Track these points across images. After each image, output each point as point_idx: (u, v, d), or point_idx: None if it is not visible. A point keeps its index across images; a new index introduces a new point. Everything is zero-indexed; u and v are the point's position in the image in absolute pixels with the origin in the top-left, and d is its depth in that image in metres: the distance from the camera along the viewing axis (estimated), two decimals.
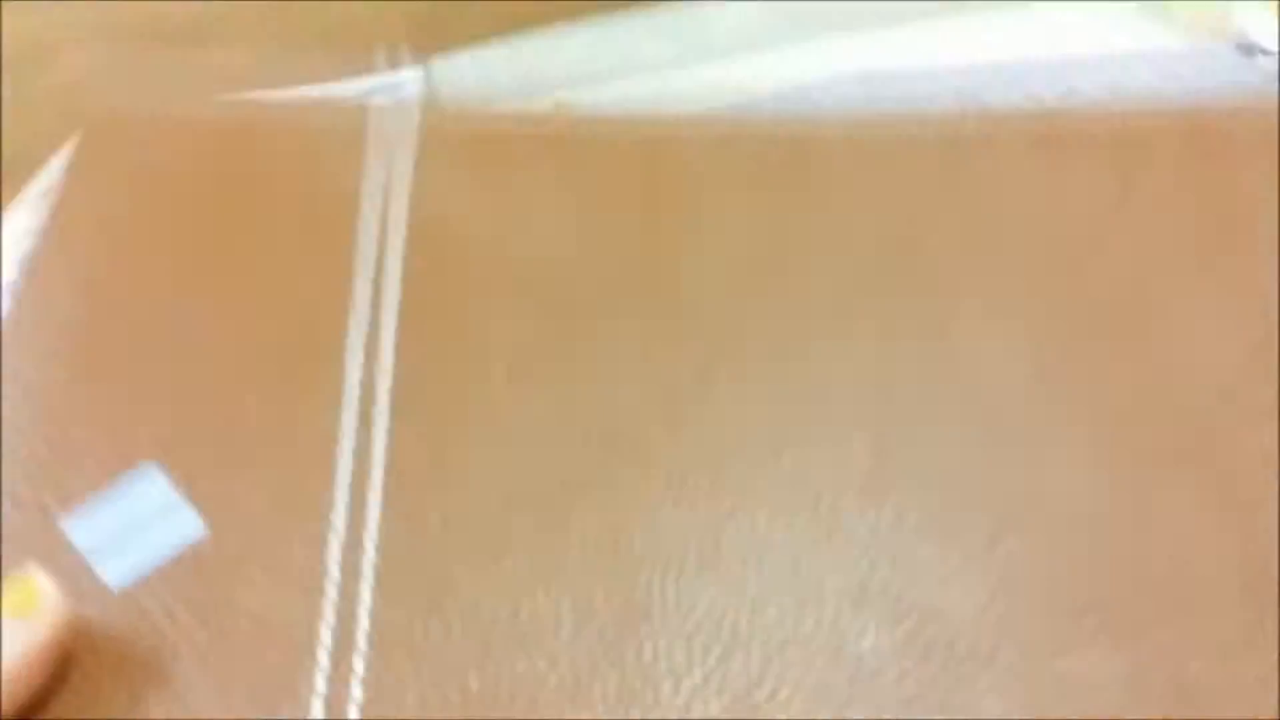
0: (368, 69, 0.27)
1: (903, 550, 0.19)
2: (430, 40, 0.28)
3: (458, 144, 0.25)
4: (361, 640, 0.17)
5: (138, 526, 0.18)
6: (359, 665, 0.17)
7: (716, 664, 0.17)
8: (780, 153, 0.25)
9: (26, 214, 0.24)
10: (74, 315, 0.22)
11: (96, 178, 0.24)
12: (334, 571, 0.18)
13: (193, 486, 0.19)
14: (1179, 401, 0.21)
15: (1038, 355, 0.21)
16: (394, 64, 0.27)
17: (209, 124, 0.25)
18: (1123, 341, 0.22)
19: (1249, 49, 0.27)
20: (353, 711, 0.17)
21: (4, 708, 0.15)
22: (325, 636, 0.17)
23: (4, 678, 0.15)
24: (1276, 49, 0.27)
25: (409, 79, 0.27)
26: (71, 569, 0.18)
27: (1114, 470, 0.20)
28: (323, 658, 0.17)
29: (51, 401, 0.20)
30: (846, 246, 0.24)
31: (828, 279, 0.23)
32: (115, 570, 0.18)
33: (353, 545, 0.18)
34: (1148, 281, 0.23)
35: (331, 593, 0.18)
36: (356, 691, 0.17)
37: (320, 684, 0.17)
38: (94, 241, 0.23)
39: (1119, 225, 0.24)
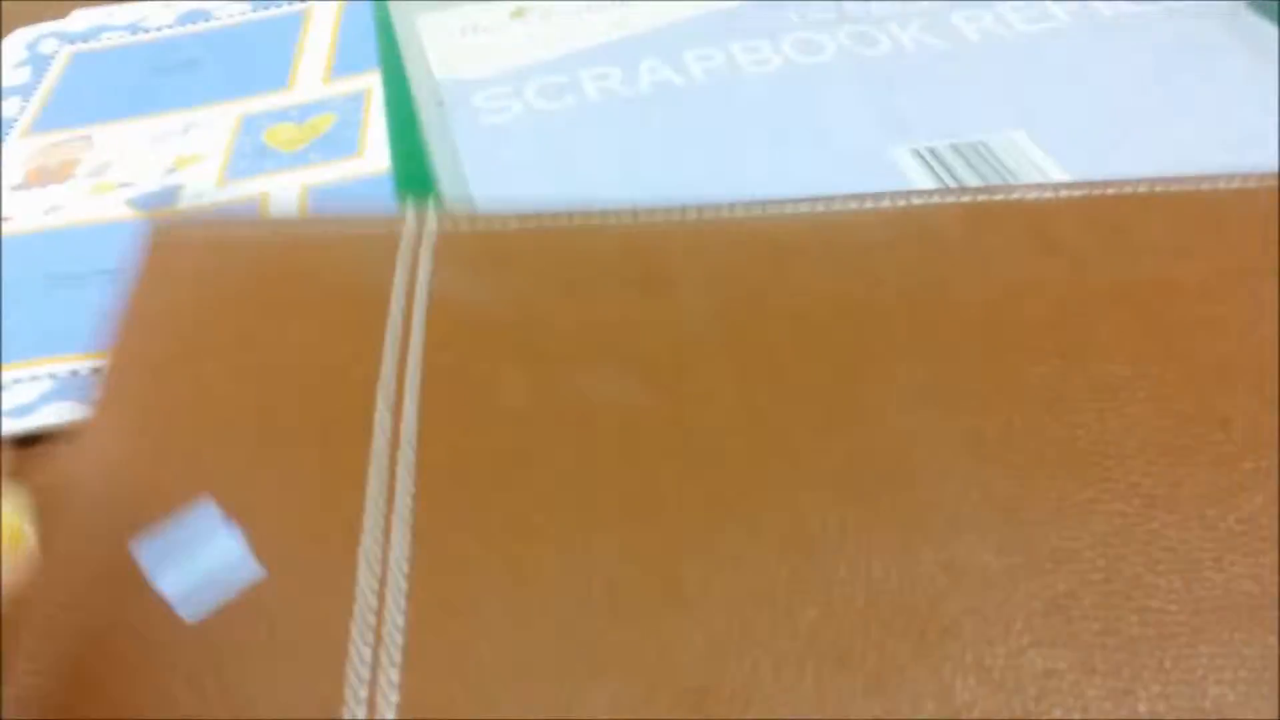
0: None
1: None
2: None
3: (467, 242, 0.29)
4: (395, 652, 0.21)
5: (209, 579, 0.22)
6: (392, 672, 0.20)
7: None
8: (747, 240, 0.29)
9: None
10: (149, 393, 0.26)
11: (166, 275, 0.29)
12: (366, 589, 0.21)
13: (249, 528, 0.23)
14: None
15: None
16: None
17: (265, 231, 0.30)
18: None
19: None
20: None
21: None
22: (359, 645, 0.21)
23: None
24: None
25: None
26: None
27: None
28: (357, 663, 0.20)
29: (133, 468, 0.24)
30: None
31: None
32: (190, 610, 0.21)
33: (383, 562, 0.22)
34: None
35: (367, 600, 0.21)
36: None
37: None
38: (164, 330, 0.27)
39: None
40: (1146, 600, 0.20)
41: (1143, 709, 0.19)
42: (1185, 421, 0.23)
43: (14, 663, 0.21)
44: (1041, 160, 0.33)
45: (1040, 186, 0.30)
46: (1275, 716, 0.19)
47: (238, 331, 0.27)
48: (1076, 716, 0.19)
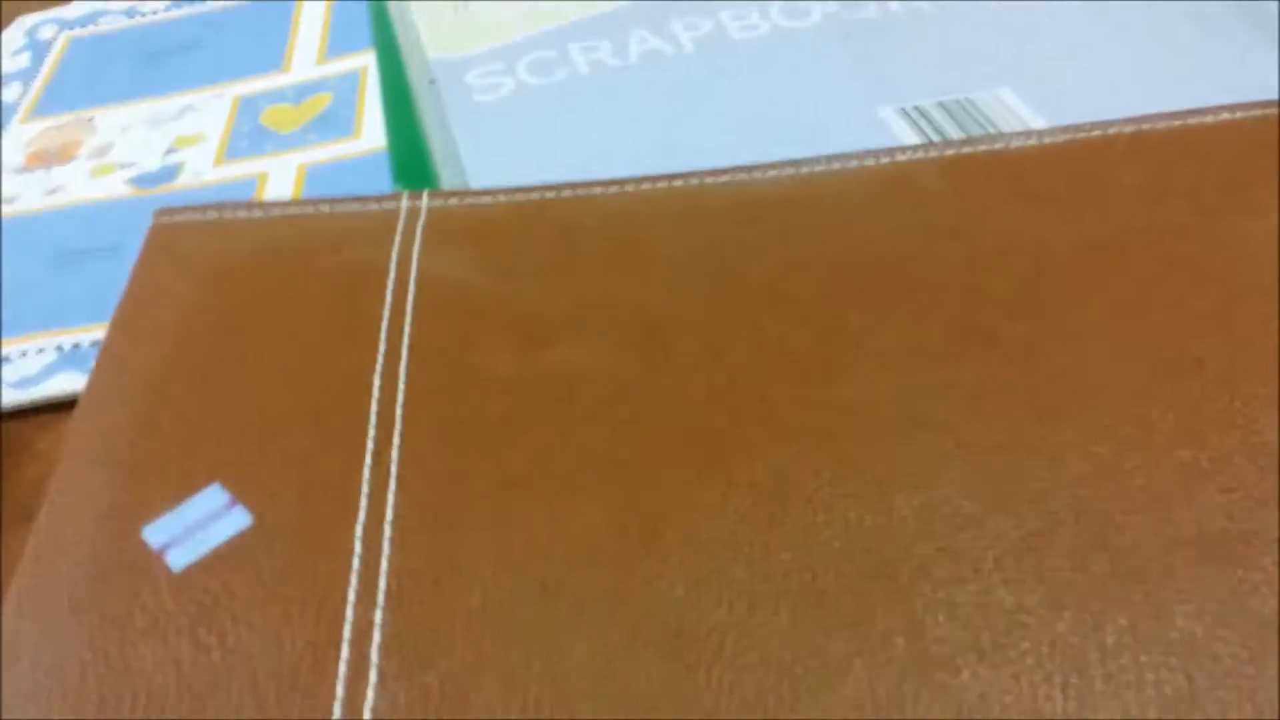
0: None
1: None
2: None
3: (457, 219, 0.30)
4: (383, 598, 0.21)
5: (198, 527, 0.23)
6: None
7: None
8: (728, 206, 0.30)
9: None
10: (149, 366, 0.26)
11: (166, 256, 0.29)
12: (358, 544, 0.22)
13: (242, 492, 0.23)
14: None
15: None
16: None
17: (263, 214, 0.31)
18: None
19: None
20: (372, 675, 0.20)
21: None
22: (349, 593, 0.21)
23: None
24: None
25: None
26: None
27: None
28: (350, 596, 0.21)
29: (130, 436, 0.25)
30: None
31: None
32: (177, 559, 0.22)
33: (376, 520, 0.22)
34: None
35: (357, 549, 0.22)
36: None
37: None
38: (165, 306, 0.28)
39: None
40: (1117, 538, 0.21)
41: (1110, 640, 0.19)
42: (1158, 364, 0.24)
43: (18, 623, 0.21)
44: (1030, 118, 0.33)
45: (1022, 134, 0.30)
46: (1240, 646, 0.19)
47: (235, 309, 0.28)
48: (1044, 648, 0.19)
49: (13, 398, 0.30)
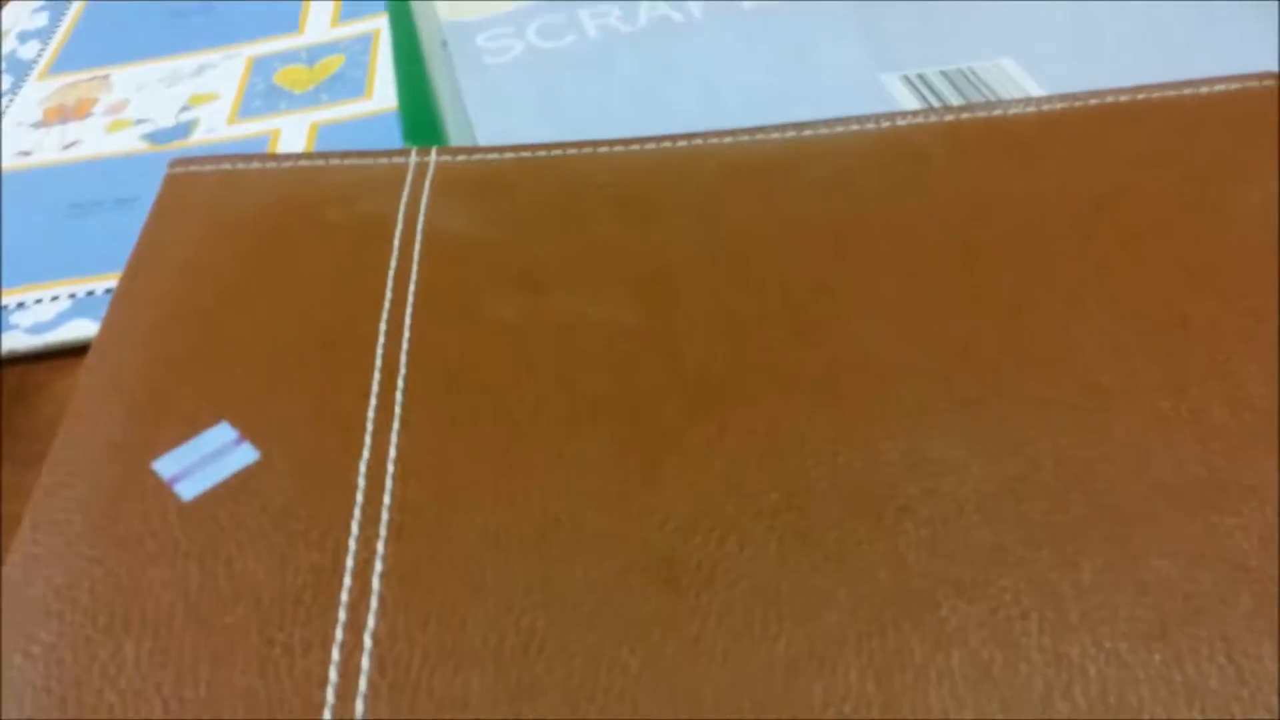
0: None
1: None
2: None
3: (465, 174, 0.30)
4: (385, 530, 0.22)
5: (207, 461, 0.23)
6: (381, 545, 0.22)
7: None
8: (732, 166, 0.30)
9: None
10: (161, 308, 0.27)
11: (180, 205, 0.30)
12: (360, 479, 0.23)
13: (250, 429, 0.24)
14: None
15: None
16: None
17: (275, 166, 0.31)
18: None
19: None
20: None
21: None
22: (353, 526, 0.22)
23: None
24: None
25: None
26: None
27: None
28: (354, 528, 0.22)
29: (143, 373, 0.26)
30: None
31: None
32: (187, 490, 0.23)
33: (380, 456, 0.23)
34: None
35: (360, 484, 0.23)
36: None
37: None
38: (178, 251, 0.29)
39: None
40: (1096, 484, 0.21)
41: (1086, 579, 0.20)
42: (1145, 321, 0.24)
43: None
44: (1032, 88, 0.34)
45: (1022, 102, 0.31)
46: (1212, 586, 0.20)
47: (247, 256, 0.28)
48: (1022, 585, 0.20)
49: (28, 342, 0.31)
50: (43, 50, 0.45)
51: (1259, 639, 0.19)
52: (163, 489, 0.23)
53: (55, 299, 0.33)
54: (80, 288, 0.33)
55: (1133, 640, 0.19)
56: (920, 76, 0.35)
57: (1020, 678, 0.19)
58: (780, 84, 0.36)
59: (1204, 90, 0.30)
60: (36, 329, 0.32)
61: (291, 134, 0.38)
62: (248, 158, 0.32)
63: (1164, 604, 0.19)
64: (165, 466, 0.23)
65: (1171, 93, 0.31)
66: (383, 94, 0.40)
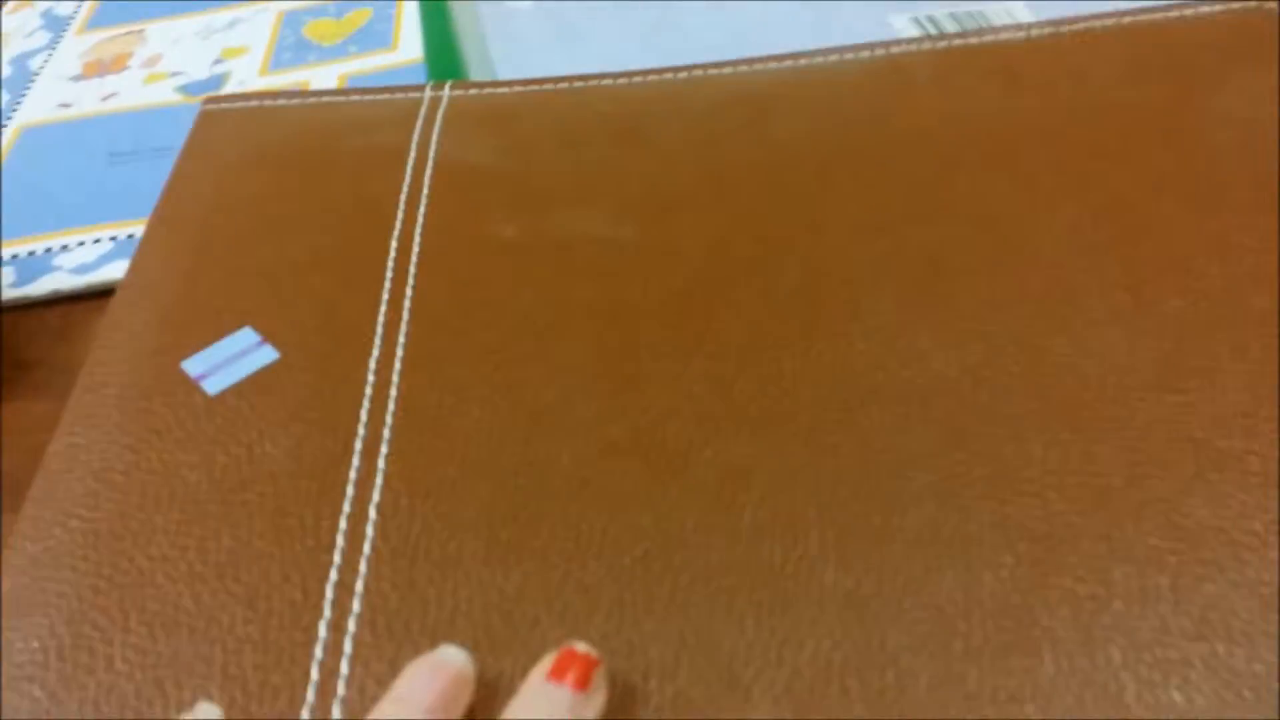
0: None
1: None
2: None
3: (474, 106, 0.32)
4: (390, 419, 0.24)
5: (231, 360, 0.25)
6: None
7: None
8: (729, 95, 0.31)
9: None
10: (192, 228, 0.29)
11: (211, 138, 0.32)
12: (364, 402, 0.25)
13: (270, 333, 0.26)
14: None
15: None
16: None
17: (299, 101, 0.33)
18: None
19: None
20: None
21: None
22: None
23: None
24: None
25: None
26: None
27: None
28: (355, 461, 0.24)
29: (174, 285, 0.28)
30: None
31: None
32: (213, 385, 0.25)
33: (388, 356, 0.25)
34: None
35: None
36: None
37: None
38: (209, 178, 0.31)
39: None
40: (1052, 369, 0.23)
41: (1036, 452, 0.21)
42: (1112, 225, 0.25)
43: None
44: None
45: (1011, 28, 0.32)
46: (1158, 455, 0.21)
47: (271, 182, 0.30)
48: (975, 457, 0.21)
49: (71, 283, 0.33)
50: (79, 7, 0.47)
51: (1198, 501, 0.20)
52: (191, 385, 0.25)
53: (97, 241, 0.35)
54: (120, 231, 0.35)
55: (1077, 504, 0.20)
56: (929, 17, 0.36)
57: (967, 537, 0.20)
58: (791, 22, 0.37)
59: (1191, 13, 0.31)
60: (80, 270, 0.34)
61: (321, 85, 0.40)
62: (274, 94, 0.34)
63: (1109, 471, 0.21)
64: (193, 366, 0.25)
65: (1159, 15, 0.31)
66: (409, 45, 0.42)
